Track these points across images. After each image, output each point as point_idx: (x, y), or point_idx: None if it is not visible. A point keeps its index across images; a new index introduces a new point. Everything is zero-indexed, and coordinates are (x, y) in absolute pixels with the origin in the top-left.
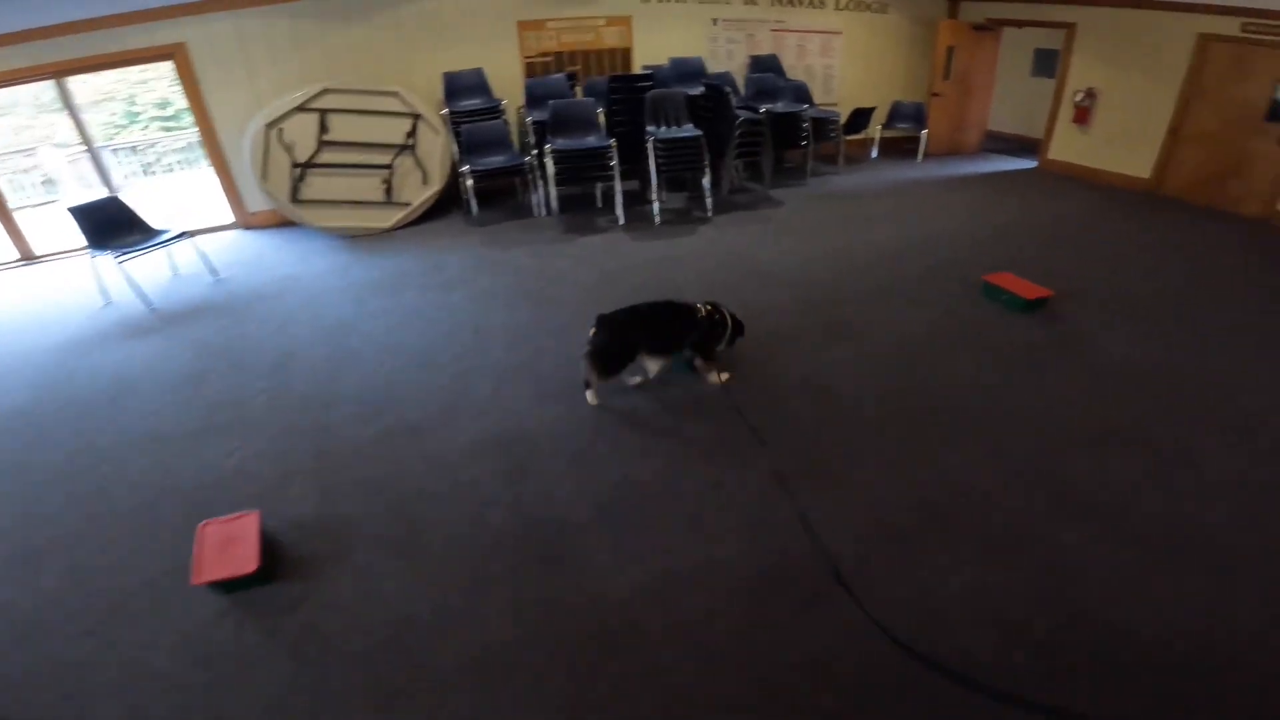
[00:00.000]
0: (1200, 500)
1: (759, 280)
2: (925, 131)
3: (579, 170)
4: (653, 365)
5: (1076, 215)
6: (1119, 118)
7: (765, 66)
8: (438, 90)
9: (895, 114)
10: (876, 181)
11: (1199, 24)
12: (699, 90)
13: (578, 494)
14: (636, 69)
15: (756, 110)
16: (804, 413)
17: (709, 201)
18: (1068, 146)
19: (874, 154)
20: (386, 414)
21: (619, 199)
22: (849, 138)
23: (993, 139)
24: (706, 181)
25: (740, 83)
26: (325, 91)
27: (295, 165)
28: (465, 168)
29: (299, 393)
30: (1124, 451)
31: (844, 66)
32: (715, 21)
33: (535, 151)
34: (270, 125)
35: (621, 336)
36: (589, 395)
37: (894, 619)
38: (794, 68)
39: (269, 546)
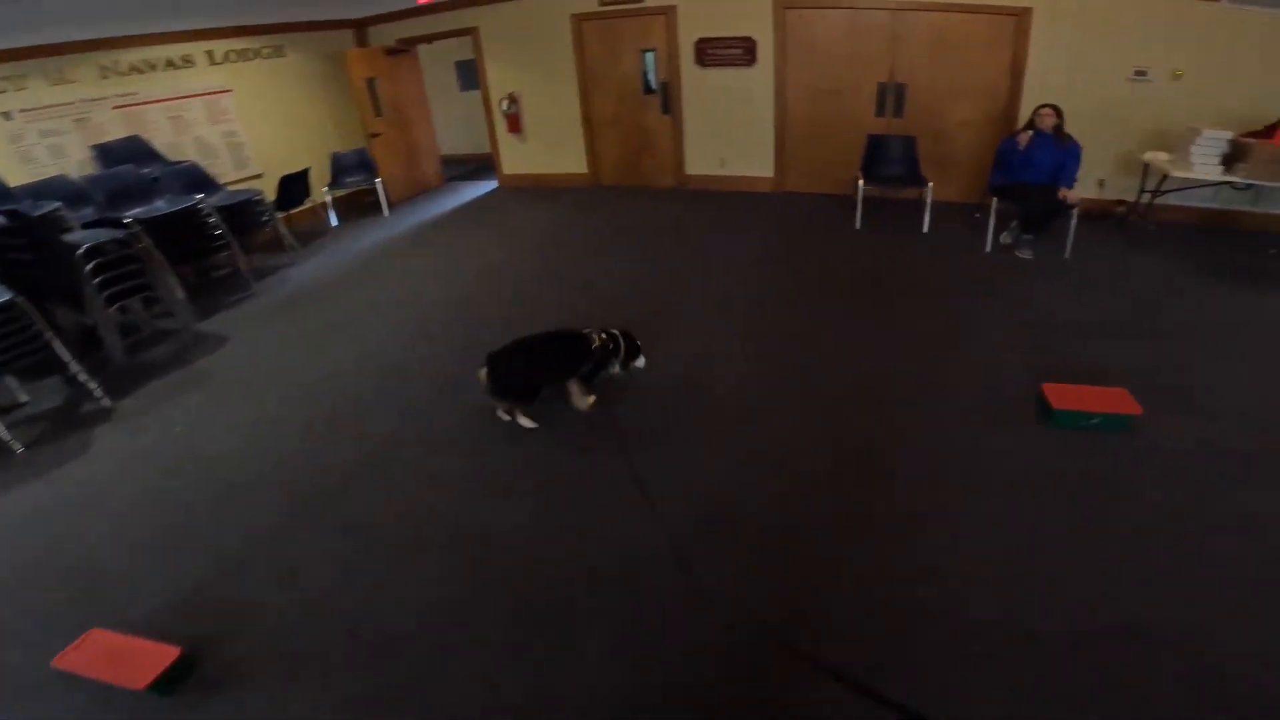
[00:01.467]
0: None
1: (213, 494)
2: (380, 180)
3: None
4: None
5: (547, 231)
6: (544, 119)
7: (123, 156)
8: None
9: (339, 168)
10: (346, 259)
11: (569, 4)
12: None
13: None
14: None
15: (119, 222)
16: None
17: (94, 384)
18: (515, 158)
19: (334, 221)
20: None
21: None
22: (290, 213)
23: (451, 165)
24: (69, 358)
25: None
26: None
27: None
28: None
29: None
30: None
31: (250, 129)
32: (9, 115)
33: None
34: None
35: (512, 371)
36: (523, 420)
37: None
38: (178, 145)
39: None
